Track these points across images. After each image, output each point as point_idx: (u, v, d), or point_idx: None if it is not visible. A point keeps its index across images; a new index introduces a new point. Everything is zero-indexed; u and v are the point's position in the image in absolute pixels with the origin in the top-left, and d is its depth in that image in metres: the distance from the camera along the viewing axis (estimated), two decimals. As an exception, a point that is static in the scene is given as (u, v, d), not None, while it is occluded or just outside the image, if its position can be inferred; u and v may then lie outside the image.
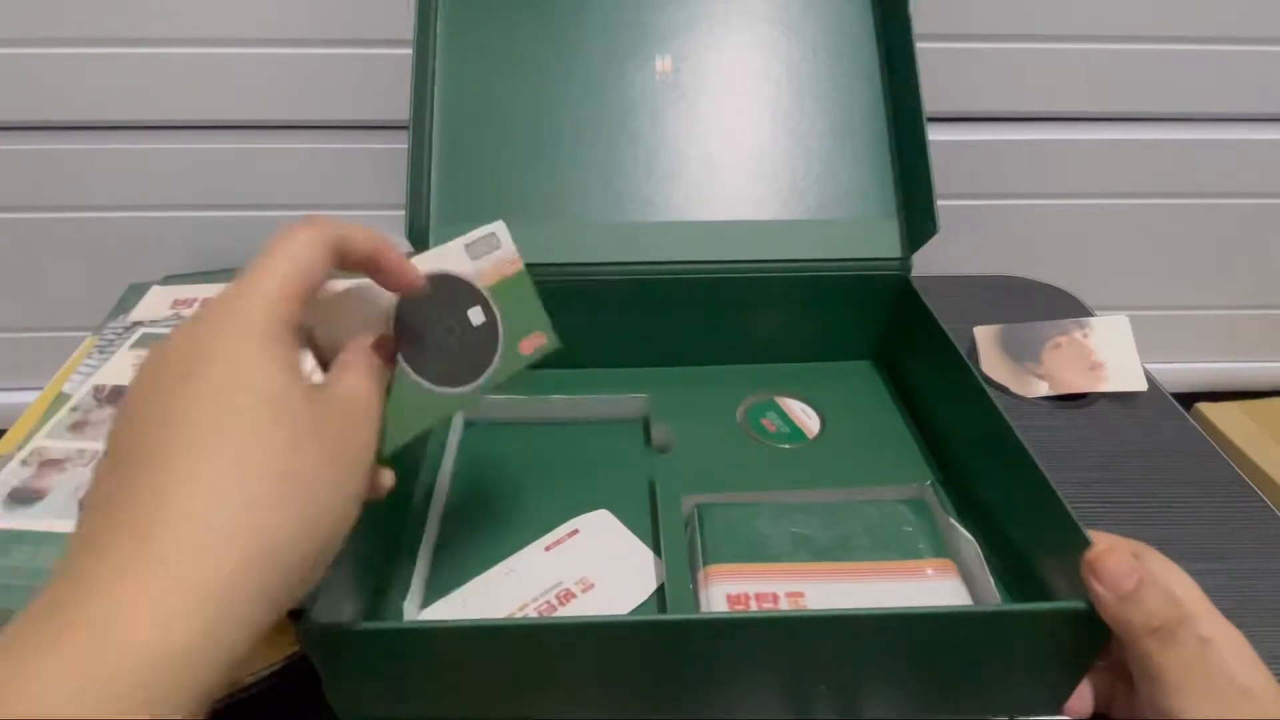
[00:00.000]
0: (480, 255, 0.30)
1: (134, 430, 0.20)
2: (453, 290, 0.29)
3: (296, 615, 0.33)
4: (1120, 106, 0.60)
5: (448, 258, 0.29)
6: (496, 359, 0.30)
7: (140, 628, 0.17)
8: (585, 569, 0.35)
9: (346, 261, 0.24)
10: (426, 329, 0.28)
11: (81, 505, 0.21)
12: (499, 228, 0.31)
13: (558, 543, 0.37)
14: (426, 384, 0.28)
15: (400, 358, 0.27)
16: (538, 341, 0.31)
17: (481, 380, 0.29)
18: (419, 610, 0.34)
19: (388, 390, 0.27)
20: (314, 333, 0.26)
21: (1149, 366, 0.52)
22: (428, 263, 0.29)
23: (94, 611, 0.17)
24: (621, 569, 0.35)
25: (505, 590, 0.34)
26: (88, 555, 0.18)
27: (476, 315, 0.30)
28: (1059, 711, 0.29)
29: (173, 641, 0.17)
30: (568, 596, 0.34)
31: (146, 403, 0.21)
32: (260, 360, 0.21)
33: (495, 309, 0.30)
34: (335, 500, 0.22)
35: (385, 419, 0.26)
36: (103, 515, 0.19)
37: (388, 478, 0.26)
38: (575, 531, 0.37)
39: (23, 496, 0.37)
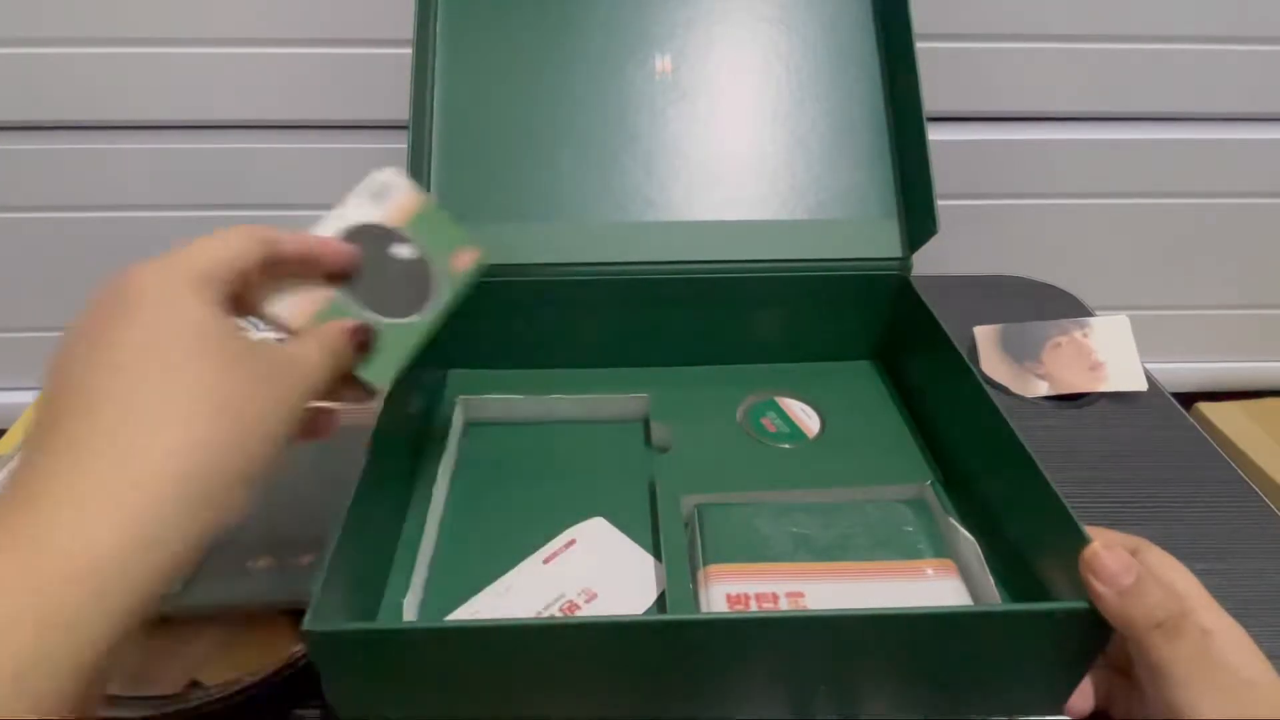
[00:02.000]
0: (382, 201, 0.32)
1: (70, 365, 0.22)
2: (374, 237, 0.32)
3: (298, 616, 0.33)
4: (1121, 106, 0.60)
5: (350, 213, 0.31)
6: (434, 282, 0.32)
7: (69, 535, 0.19)
8: (587, 579, 0.35)
9: (280, 262, 0.27)
10: (366, 276, 0.31)
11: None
12: (391, 173, 0.33)
13: (555, 554, 0.36)
14: (389, 319, 0.31)
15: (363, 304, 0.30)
16: (469, 257, 0.33)
17: (432, 302, 0.32)
18: (418, 610, 0.34)
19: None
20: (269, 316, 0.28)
21: (1149, 366, 0.52)
22: (335, 222, 0.31)
23: (24, 523, 0.19)
24: (623, 576, 0.35)
25: (508, 606, 0.34)
26: (25, 473, 0.20)
27: (404, 250, 0.32)
28: (1060, 711, 0.29)
29: (101, 548, 0.19)
30: (572, 608, 0.34)
31: (83, 339, 0.22)
32: (187, 299, 0.22)
33: (417, 240, 0.32)
34: (260, 424, 0.23)
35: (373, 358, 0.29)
36: (36, 444, 0.21)
37: (334, 421, 0.28)
38: (572, 542, 0.37)
39: (22, 496, 0.37)
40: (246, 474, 0.22)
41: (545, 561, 0.36)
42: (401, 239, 0.32)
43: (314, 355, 0.26)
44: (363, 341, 0.28)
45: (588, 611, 0.34)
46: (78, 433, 0.20)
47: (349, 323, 0.28)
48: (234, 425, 0.22)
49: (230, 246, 0.24)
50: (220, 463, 0.21)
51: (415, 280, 0.32)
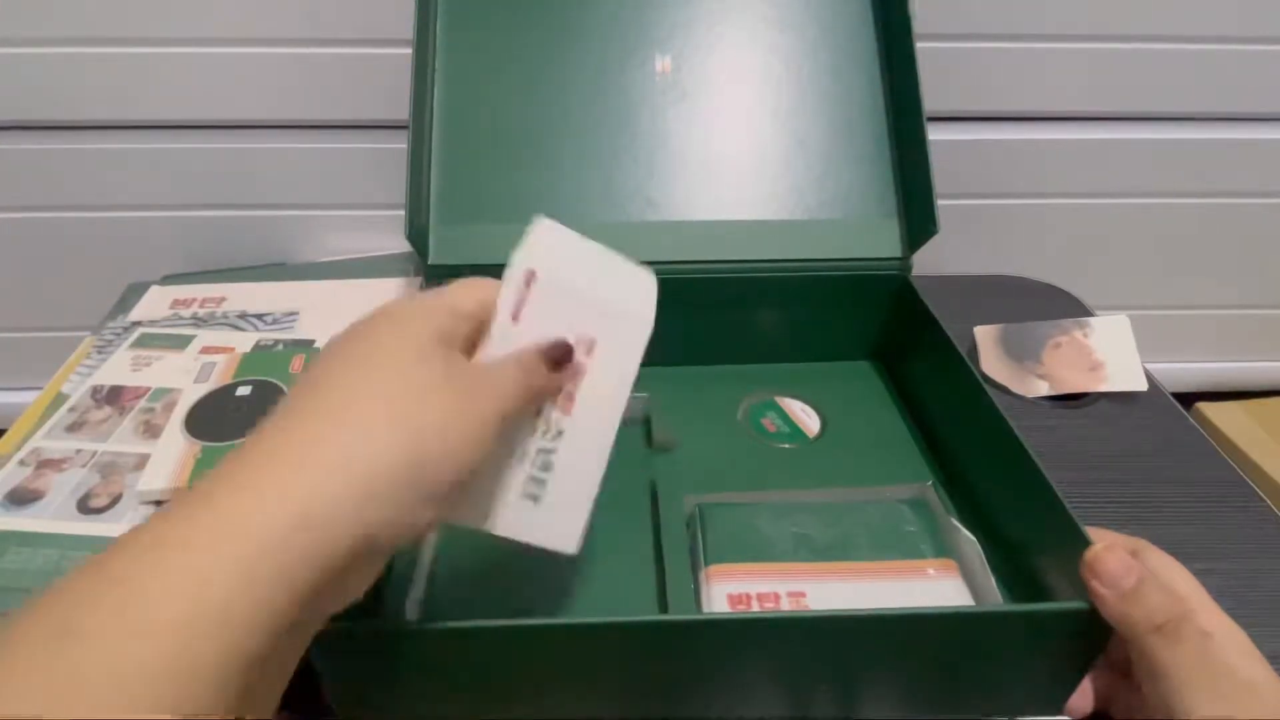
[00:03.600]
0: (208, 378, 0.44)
1: (316, 369, 0.23)
2: (217, 398, 0.43)
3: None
4: (1121, 106, 0.60)
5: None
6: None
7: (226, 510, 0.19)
8: (577, 323, 0.28)
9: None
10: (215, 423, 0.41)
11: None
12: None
13: (522, 303, 0.27)
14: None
15: None
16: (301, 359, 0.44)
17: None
18: (419, 610, 0.34)
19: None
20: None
21: (1149, 366, 0.52)
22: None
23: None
24: (611, 305, 0.29)
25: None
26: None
27: (242, 390, 0.43)
28: (1060, 711, 0.29)
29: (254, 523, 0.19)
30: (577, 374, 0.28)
31: (343, 339, 0.24)
32: (421, 326, 0.24)
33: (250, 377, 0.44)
34: (442, 440, 0.23)
35: None
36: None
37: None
38: (532, 275, 0.27)
39: (20, 497, 0.37)
40: (422, 487, 0.22)
41: (515, 320, 0.27)
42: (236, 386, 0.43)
43: (510, 373, 0.26)
44: (557, 359, 0.27)
45: (598, 362, 0.28)
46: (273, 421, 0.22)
47: (544, 343, 0.27)
48: (413, 439, 0.22)
49: (474, 299, 0.26)
50: (392, 470, 0.21)
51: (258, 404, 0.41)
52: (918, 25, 0.44)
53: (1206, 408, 0.69)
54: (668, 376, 0.46)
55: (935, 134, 0.44)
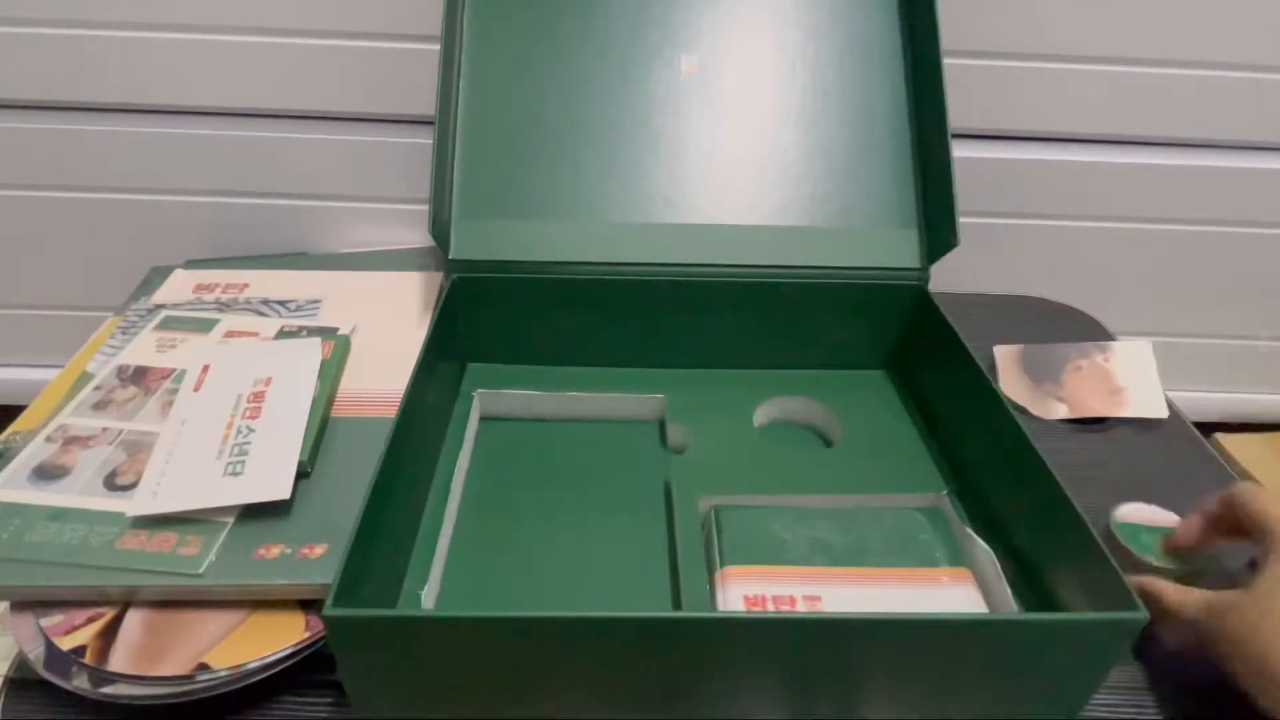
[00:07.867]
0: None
1: None
2: None
3: (307, 605, 0.33)
4: (1151, 131, 0.59)
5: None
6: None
7: None
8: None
9: None
10: None
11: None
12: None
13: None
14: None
15: None
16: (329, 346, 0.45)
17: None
18: (435, 602, 0.34)
19: None
20: None
21: (1170, 394, 0.51)
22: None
23: None
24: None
25: None
26: None
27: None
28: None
29: None
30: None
31: None
32: None
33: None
34: None
35: None
36: None
37: None
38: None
39: (48, 472, 0.37)
40: None
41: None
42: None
43: None
44: None
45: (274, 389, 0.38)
46: None
47: None
48: None
49: None
50: None
51: None
52: (946, 43, 0.44)
53: (1225, 439, 0.68)
54: (683, 379, 0.46)
55: (959, 151, 0.44)
